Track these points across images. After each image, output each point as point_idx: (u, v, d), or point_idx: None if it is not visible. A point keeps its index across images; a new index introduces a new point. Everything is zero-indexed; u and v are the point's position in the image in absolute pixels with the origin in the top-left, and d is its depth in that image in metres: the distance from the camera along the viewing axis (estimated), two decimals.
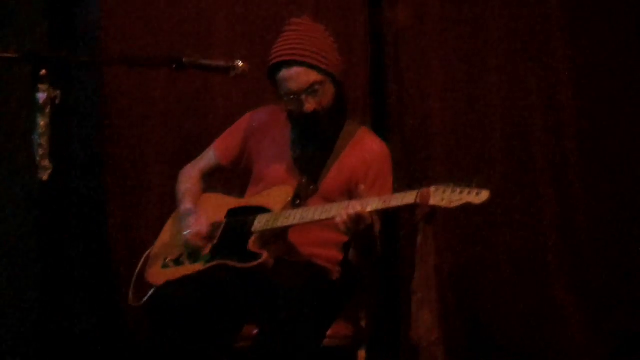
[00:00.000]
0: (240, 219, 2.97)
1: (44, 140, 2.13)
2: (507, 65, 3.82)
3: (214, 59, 2.53)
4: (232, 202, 3.10)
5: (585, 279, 3.78)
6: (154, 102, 3.90)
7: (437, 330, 2.61)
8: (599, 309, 3.76)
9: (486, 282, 3.80)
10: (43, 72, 2.15)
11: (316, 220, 2.81)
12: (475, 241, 3.81)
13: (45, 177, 2.13)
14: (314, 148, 3.02)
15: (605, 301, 3.76)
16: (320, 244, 2.99)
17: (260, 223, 2.90)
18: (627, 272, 3.76)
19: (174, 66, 2.39)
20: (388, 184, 3.04)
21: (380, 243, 2.91)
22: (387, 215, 3.11)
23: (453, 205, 2.56)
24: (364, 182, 2.96)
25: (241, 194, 3.17)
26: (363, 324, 3.04)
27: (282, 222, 2.86)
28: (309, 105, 2.92)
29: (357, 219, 2.68)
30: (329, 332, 2.90)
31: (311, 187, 2.98)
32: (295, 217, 2.84)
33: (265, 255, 2.80)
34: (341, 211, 2.70)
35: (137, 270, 3.03)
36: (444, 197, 2.59)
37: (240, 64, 2.52)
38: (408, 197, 2.65)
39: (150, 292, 2.89)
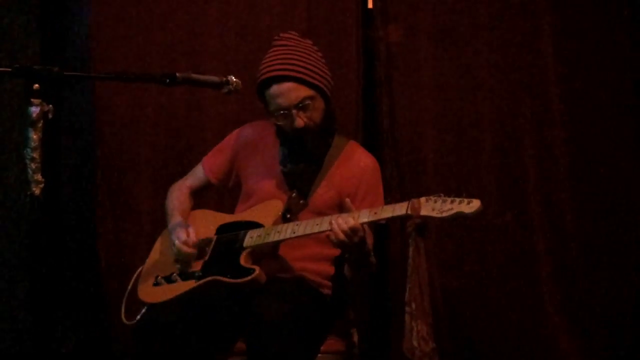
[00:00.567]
0: (232, 234, 2.97)
1: (36, 155, 2.13)
2: (498, 81, 3.84)
3: (207, 74, 2.54)
4: (223, 217, 3.09)
5: (576, 297, 3.78)
6: (145, 117, 3.89)
7: (431, 342, 2.60)
8: (590, 327, 3.76)
9: (477, 299, 3.79)
10: (36, 86, 2.15)
11: (307, 234, 2.81)
12: (466, 259, 3.81)
13: (37, 191, 2.13)
14: (303, 163, 3.02)
15: (595, 320, 3.76)
16: (311, 258, 2.98)
17: (251, 238, 2.90)
18: (618, 292, 3.76)
19: (167, 81, 2.39)
20: (379, 197, 3.05)
21: (374, 257, 2.91)
22: (377, 229, 3.11)
23: (444, 215, 2.57)
24: (355, 195, 2.97)
25: (232, 210, 3.17)
26: (355, 339, 3.03)
27: (273, 237, 2.86)
28: (300, 120, 2.92)
29: (351, 231, 2.68)
30: (322, 348, 2.89)
31: (301, 202, 2.98)
32: (287, 231, 2.84)
33: (257, 270, 2.79)
34: (333, 224, 2.71)
35: (128, 288, 3.02)
36: (434, 207, 2.59)
37: (233, 79, 2.53)
38: (399, 209, 2.66)
39: (143, 311, 2.88)
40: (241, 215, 3.06)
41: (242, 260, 2.85)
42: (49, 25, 3.87)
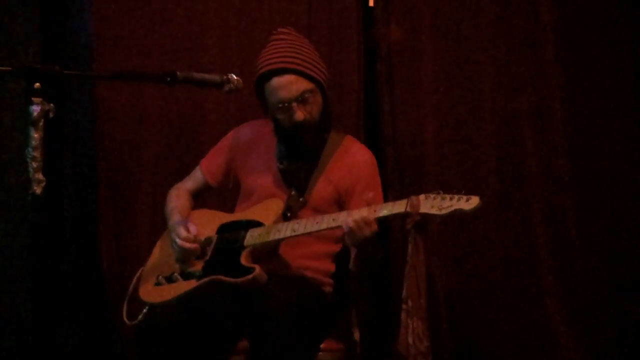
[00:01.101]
0: (232, 233, 2.97)
1: (37, 154, 2.14)
2: (500, 78, 3.84)
3: (208, 73, 2.54)
4: (223, 217, 3.09)
5: (577, 294, 3.78)
6: (147, 116, 3.89)
7: (426, 340, 2.60)
8: (591, 325, 3.76)
9: (478, 296, 3.79)
10: (37, 85, 2.15)
11: (308, 232, 2.82)
12: (466, 256, 3.81)
13: (39, 190, 2.13)
14: (300, 160, 3.03)
15: (597, 318, 3.76)
16: (311, 256, 2.99)
17: (252, 237, 2.90)
18: (619, 290, 3.76)
19: (168, 80, 2.40)
20: (378, 190, 3.04)
21: (381, 249, 2.90)
22: (379, 225, 3.11)
23: (443, 212, 2.57)
24: (354, 190, 2.97)
25: (233, 209, 3.17)
26: (356, 337, 3.03)
27: (274, 236, 2.86)
28: (300, 113, 2.93)
29: (364, 224, 2.66)
30: (322, 346, 2.90)
31: (301, 200, 2.98)
32: (287, 230, 2.84)
33: (257, 269, 2.79)
34: (347, 219, 2.69)
35: (130, 288, 3.02)
36: (433, 204, 2.59)
37: (234, 78, 2.53)
38: (398, 206, 2.66)
39: (144, 311, 2.88)
40: (241, 214, 3.06)
41: (243, 260, 2.85)
42: (50, 25, 3.86)
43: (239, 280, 2.79)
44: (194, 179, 3.23)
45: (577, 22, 3.84)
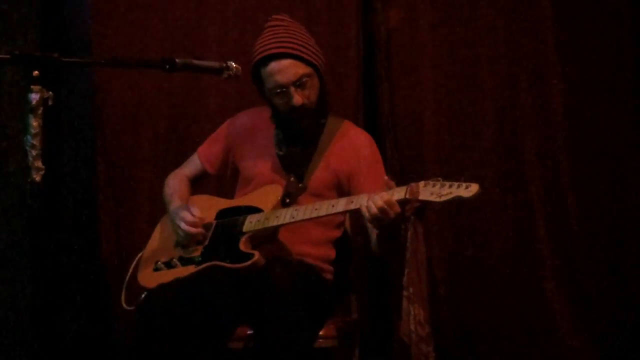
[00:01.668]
0: (231, 219, 2.97)
1: (36, 142, 2.14)
2: (499, 66, 3.84)
3: (207, 60, 2.54)
4: (222, 203, 3.10)
5: (577, 282, 3.78)
6: (145, 103, 3.90)
7: (427, 326, 2.60)
8: (591, 314, 3.76)
9: (477, 283, 3.80)
10: (35, 73, 2.15)
11: (306, 219, 2.82)
12: (466, 243, 3.81)
13: (38, 178, 2.14)
14: (298, 146, 3.04)
15: (597, 306, 3.76)
16: (311, 242, 2.99)
17: (251, 223, 2.90)
18: (619, 276, 3.76)
19: (167, 67, 2.39)
20: (381, 171, 3.04)
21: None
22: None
23: (443, 199, 2.56)
24: (358, 173, 2.97)
25: (232, 196, 3.17)
26: (356, 322, 3.04)
27: (273, 222, 2.87)
28: (297, 97, 2.93)
29: (387, 206, 2.60)
30: (321, 332, 2.91)
31: (300, 186, 2.99)
32: (286, 216, 2.84)
33: (256, 255, 2.80)
34: (369, 204, 2.63)
35: (128, 274, 3.03)
36: (433, 191, 2.58)
37: (233, 65, 2.53)
38: (398, 193, 2.65)
39: (143, 296, 2.89)
40: (240, 200, 3.07)
41: (242, 245, 2.86)
42: (48, 13, 3.86)
43: (238, 265, 2.80)
44: (192, 166, 3.23)
45: (577, 9, 3.83)
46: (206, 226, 3.00)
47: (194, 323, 2.73)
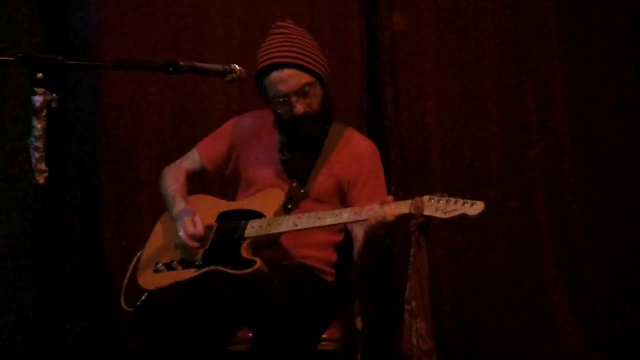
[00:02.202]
0: (232, 223, 2.95)
1: (40, 144, 2.14)
2: (503, 68, 3.84)
3: (211, 62, 2.54)
4: (223, 205, 3.08)
5: (580, 284, 3.79)
6: (149, 105, 3.90)
7: (430, 340, 2.60)
8: (595, 318, 3.76)
9: (482, 292, 3.80)
10: (39, 75, 2.15)
11: (309, 227, 2.81)
12: (470, 246, 3.81)
13: (41, 180, 2.14)
14: (302, 151, 3.03)
15: (600, 310, 3.76)
16: (313, 245, 2.98)
17: (252, 228, 2.89)
18: (623, 282, 3.77)
19: (171, 69, 2.39)
20: (381, 181, 3.05)
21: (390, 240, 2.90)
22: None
23: (448, 215, 2.56)
24: (357, 181, 2.97)
25: (233, 198, 3.16)
26: (358, 327, 3.04)
27: (275, 229, 2.85)
28: (299, 107, 2.92)
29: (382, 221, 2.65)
30: (324, 336, 2.90)
31: (302, 192, 2.98)
32: (288, 224, 2.83)
33: (259, 262, 2.78)
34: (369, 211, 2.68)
35: (127, 275, 3.01)
36: (438, 207, 2.58)
37: (237, 67, 2.53)
38: (403, 207, 2.65)
39: (143, 297, 2.88)
40: (241, 203, 3.05)
41: (243, 251, 2.84)
42: (52, 15, 3.86)
43: (241, 272, 2.79)
44: (191, 161, 3.20)
45: (580, 10, 3.83)
46: (207, 229, 2.98)
47: (195, 326, 2.72)
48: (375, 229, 2.67)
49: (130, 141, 3.88)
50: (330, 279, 3.02)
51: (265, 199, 2.98)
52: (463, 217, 2.55)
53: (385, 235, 2.73)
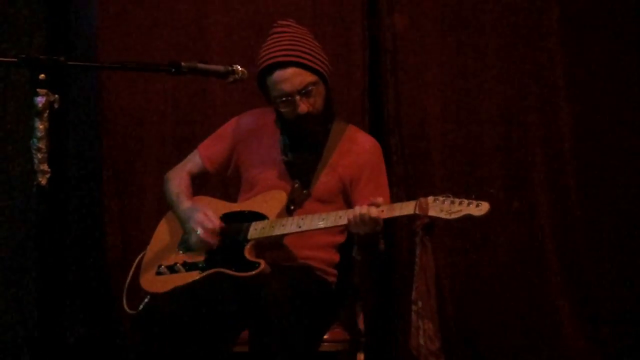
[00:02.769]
0: (235, 225, 2.94)
1: (42, 145, 2.14)
2: (505, 68, 3.84)
3: (212, 64, 2.53)
4: (225, 206, 3.06)
5: (582, 288, 3.78)
6: (151, 107, 3.90)
7: (438, 341, 2.59)
8: (596, 318, 3.76)
9: (484, 293, 3.80)
10: (41, 76, 2.15)
11: (312, 229, 2.81)
12: (472, 247, 3.81)
13: (44, 181, 2.14)
14: (304, 151, 3.02)
15: (603, 308, 3.76)
16: (315, 246, 2.98)
17: (255, 230, 2.88)
18: (624, 281, 3.76)
19: (173, 71, 2.39)
20: (383, 178, 3.04)
21: (383, 240, 2.91)
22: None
23: (453, 216, 2.57)
24: (359, 180, 2.97)
25: (235, 199, 3.15)
26: (361, 327, 3.04)
27: (278, 230, 2.85)
28: (303, 106, 2.91)
29: (369, 221, 2.67)
30: (326, 337, 2.90)
31: (304, 192, 2.98)
32: (292, 225, 2.83)
33: (263, 264, 2.77)
34: (349, 216, 2.70)
35: (129, 276, 3.00)
36: (443, 208, 2.58)
37: (239, 68, 2.53)
38: (407, 208, 2.65)
39: (145, 300, 2.88)
40: (244, 204, 3.03)
41: (247, 253, 2.83)
42: (54, 16, 3.86)
43: (244, 274, 2.78)
44: (193, 163, 3.18)
45: (583, 10, 3.83)
46: None
47: (198, 328, 2.72)
48: (354, 227, 2.69)
49: (132, 142, 3.88)
50: (332, 279, 3.02)
51: (267, 200, 2.97)
52: (468, 218, 2.54)
53: (373, 235, 2.73)
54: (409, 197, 2.64)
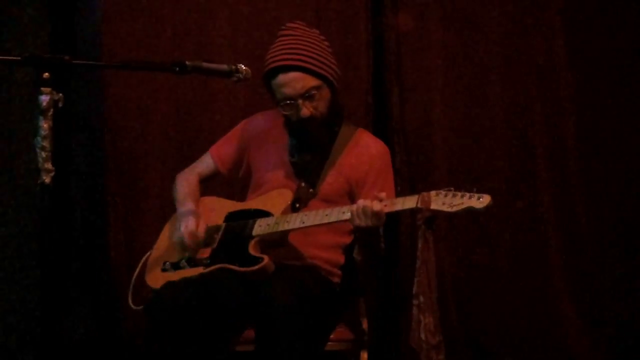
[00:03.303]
0: (240, 222, 2.96)
1: (46, 143, 2.14)
2: (508, 70, 3.84)
3: (217, 63, 2.53)
4: (231, 205, 3.09)
5: (586, 288, 3.78)
6: (155, 106, 3.90)
7: (438, 335, 2.60)
8: (601, 317, 3.76)
9: (487, 289, 3.80)
10: (46, 75, 2.15)
11: (316, 224, 2.81)
12: (475, 247, 3.81)
13: (47, 180, 2.14)
14: (311, 153, 3.02)
15: (606, 309, 3.76)
16: (321, 246, 2.99)
17: (260, 227, 2.89)
18: (628, 281, 3.76)
19: (177, 70, 2.39)
20: (389, 182, 3.05)
21: (383, 240, 2.91)
22: (387, 216, 3.11)
23: (454, 209, 2.57)
24: (365, 182, 2.98)
25: (243, 199, 3.17)
26: (364, 326, 3.04)
27: (282, 226, 2.86)
28: (306, 110, 2.92)
29: (371, 215, 2.67)
30: (331, 336, 2.91)
31: (310, 191, 2.98)
32: (296, 221, 2.84)
33: (266, 259, 2.79)
34: (352, 208, 2.71)
35: (135, 273, 3.03)
36: (445, 201, 2.59)
37: (243, 67, 2.53)
38: (409, 201, 2.66)
39: (150, 297, 2.89)
40: (250, 203, 3.06)
41: (251, 249, 2.85)
42: (58, 15, 3.86)
43: (247, 269, 2.79)
44: (204, 165, 3.22)
45: (587, 8, 3.82)
46: (215, 229, 2.99)
47: (201, 323, 2.73)
48: (357, 220, 2.69)
49: (136, 141, 3.88)
50: (337, 280, 3.02)
51: (273, 198, 2.99)
52: (470, 211, 2.54)
53: (375, 232, 2.75)
54: None
